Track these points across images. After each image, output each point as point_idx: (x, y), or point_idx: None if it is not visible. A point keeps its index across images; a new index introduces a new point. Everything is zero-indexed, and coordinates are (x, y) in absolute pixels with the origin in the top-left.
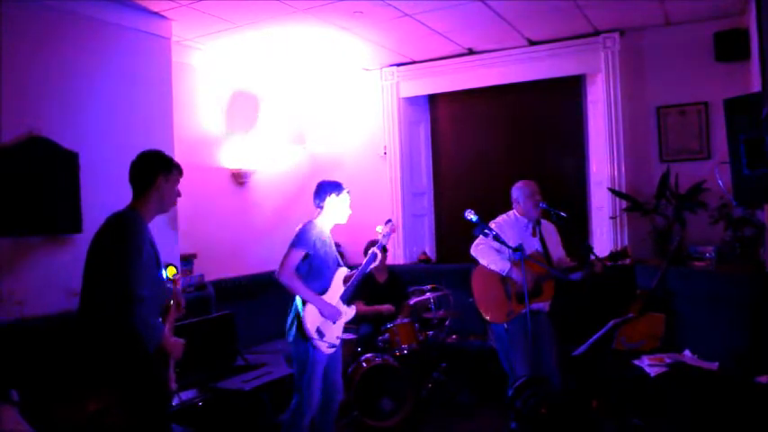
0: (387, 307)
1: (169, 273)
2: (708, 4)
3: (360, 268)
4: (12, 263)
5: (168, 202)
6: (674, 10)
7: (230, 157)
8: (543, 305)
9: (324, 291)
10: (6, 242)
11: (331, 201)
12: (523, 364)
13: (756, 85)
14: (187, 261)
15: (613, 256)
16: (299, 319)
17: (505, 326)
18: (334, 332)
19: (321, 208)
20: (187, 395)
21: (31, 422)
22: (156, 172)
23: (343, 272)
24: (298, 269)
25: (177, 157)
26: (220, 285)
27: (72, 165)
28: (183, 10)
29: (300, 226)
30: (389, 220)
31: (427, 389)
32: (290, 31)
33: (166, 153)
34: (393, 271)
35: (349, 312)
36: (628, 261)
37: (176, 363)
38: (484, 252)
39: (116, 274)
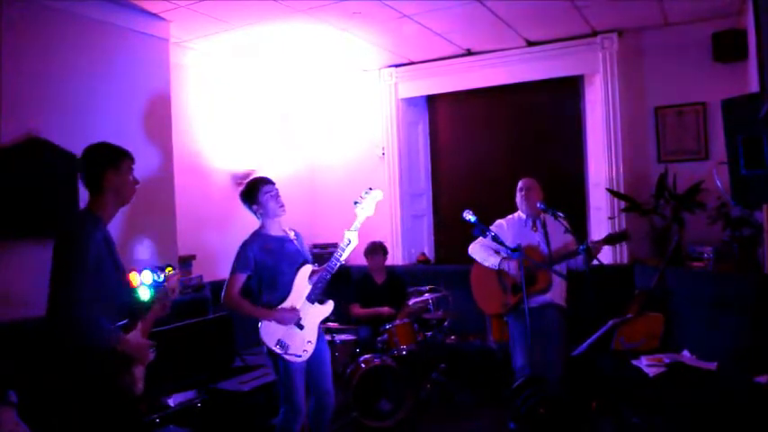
0: (385, 309)
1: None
2: (706, 5)
3: (330, 259)
4: (13, 264)
5: (126, 193)
6: (672, 10)
7: (229, 159)
8: (550, 297)
9: (283, 298)
10: (7, 244)
11: (256, 210)
12: (521, 361)
13: (754, 86)
14: (186, 262)
15: (611, 238)
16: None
17: (505, 318)
18: (304, 338)
19: (258, 218)
20: (186, 396)
21: (30, 424)
22: (103, 169)
23: (307, 270)
24: (249, 286)
25: (175, 158)
26: (218, 286)
27: (70, 166)
28: (182, 11)
29: (240, 245)
30: (371, 189)
31: (426, 389)
32: (289, 32)
33: (112, 144)
34: (392, 272)
35: (321, 310)
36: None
37: (143, 365)
38: (478, 250)
39: (59, 278)
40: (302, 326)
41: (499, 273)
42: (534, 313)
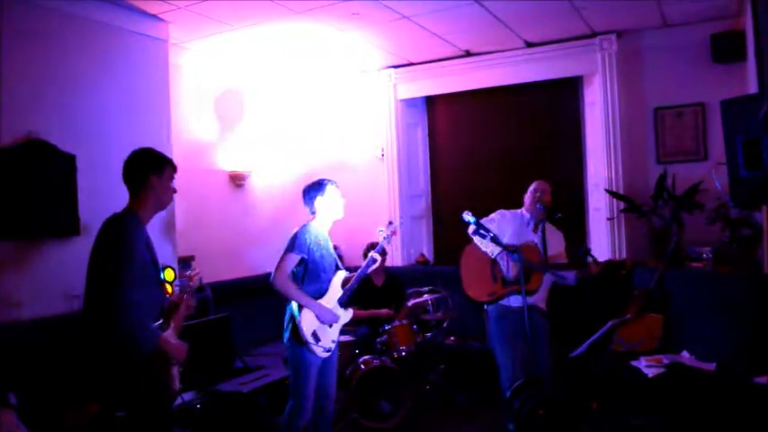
0: (384, 311)
1: (167, 276)
2: (704, 6)
3: (358, 272)
4: (9, 265)
5: (165, 199)
6: (670, 12)
7: (228, 159)
8: (533, 300)
9: (321, 294)
10: (4, 244)
11: (319, 203)
12: (509, 362)
13: (753, 87)
14: (185, 263)
15: (610, 264)
16: (294, 322)
17: (485, 307)
18: (330, 336)
19: (314, 213)
20: (185, 397)
21: (30, 426)
22: (147, 172)
23: (341, 275)
24: (294, 273)
25: (174, 159)
26: (218, 287)
27: (70, 167)
28: (181, 12)
29: (296, 230)
30: (391, 222)
31: (425, 390)
32: (288, 33)
33: (158, 150)
34: (391, 273)
35: (345, 315)
36: (623, 272)
37: (180, 364)
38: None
39: (109, 281)
40: (332, 325)
41: (493, 261)
42: (518, 314)
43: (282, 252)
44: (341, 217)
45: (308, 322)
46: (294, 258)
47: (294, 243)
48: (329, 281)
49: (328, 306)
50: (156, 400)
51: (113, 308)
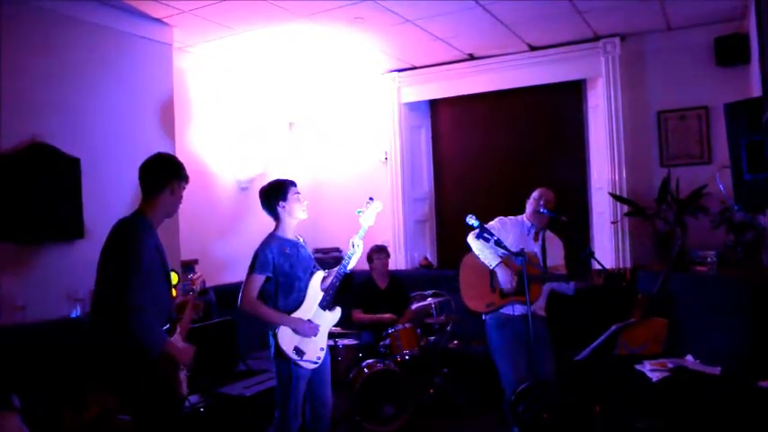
0: (387, 316)
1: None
2: (708, 9)
3: (339, 266)
4: (13, 268)
5: (174, 208)
6: (674, 15)
7: (231, 163)
8: (534, 307)
9: (299, 303)
10: (8, 247)
11: (282, 209)
12: (511, 370)
13: (757, 90)
14: (188, 267)
15: (609, 277)
16: (276, 338)
17: (484, 317)
18: (317, 345)
19: (276, 220)
20: (190, 400)
21: (33, 428)
22: (171, 177)
23: (319, 276)
24: (265, 290)
25: None
26: (222, 291)
27: (74, 171)
28: (185, 16)
29: (257, 247)
30: (371, 198)
31: (429, 394)
32: (291, 36)
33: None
34: (395, 276)
35: (331, 317)
36: (623, 284)
37: (187, 368)
38: (478, 242)
39: (116, 284)
40: (315, 333)
41: (492, 271)
42: (518, 322)
43: (246, 274)
44: (305, 218)
45: (286, 339)
46: (259, 279)
47: (256, 263)
48: (305, 287)
49: (309, 314)
50: (161, 404)
51: (121, 311)
